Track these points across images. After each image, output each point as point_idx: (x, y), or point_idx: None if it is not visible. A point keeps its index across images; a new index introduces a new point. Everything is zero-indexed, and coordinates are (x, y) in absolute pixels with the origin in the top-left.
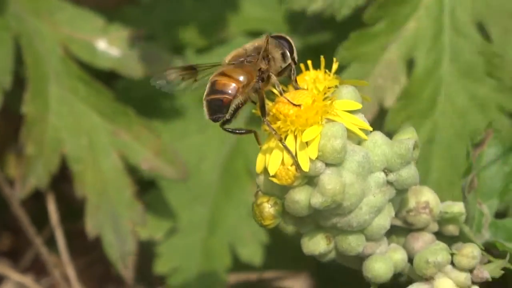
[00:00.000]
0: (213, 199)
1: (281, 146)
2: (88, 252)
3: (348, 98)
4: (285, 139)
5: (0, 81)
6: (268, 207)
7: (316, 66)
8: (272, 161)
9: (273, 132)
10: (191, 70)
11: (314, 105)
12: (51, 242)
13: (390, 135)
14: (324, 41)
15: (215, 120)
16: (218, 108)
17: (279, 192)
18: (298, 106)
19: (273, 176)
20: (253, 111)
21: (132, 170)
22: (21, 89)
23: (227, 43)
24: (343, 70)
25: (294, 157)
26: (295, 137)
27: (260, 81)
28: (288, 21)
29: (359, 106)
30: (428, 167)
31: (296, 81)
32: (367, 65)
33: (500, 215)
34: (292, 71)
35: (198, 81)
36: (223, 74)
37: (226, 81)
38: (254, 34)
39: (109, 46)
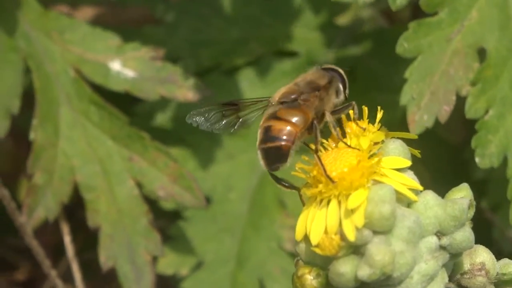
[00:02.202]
0: (241, 231)
1: (324, 212)
2: (108, 282)
3: (396, 154)
4: (328, 204)
5: (8, 105)
6: (310, 279)
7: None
8: (314, 229)
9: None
10: (233, 106)
11: (360, 166)
12: (69, 272)
13: (471, 123)
14: (358, 54)
15: (273, 170)
16: (277, 157)
17: (322, 262)
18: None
19: (315, 246)
20: (293, 173)
21: (153, 201)
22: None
23: (257, 63)
24: (405, 62)
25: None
26: (339, 202)
27: (316, 120)
28: (321, 37)
29: (408, 163)
30: None
31: (355, 121)
32: (433, 56)
33: None
34: (354, 111)
35: (240, 118)
36: (277, 117)
37: (282, 126)
38: (285, 53)
39: (124, 67)
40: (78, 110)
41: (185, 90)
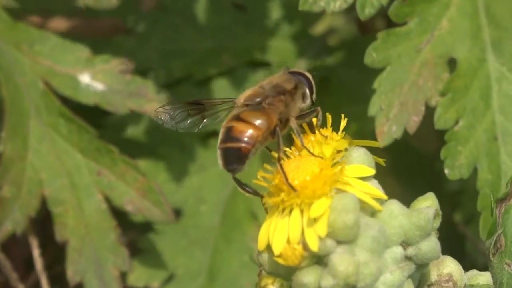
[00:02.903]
0: (213, 244)
1: (286, 222)
2: None
3: (359, 163)
4: (290, 213)
5: None
6: None
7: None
8: (276, 238)
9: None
10: (199, 106)
11: (322, 174)
12: (38, 286)
13: (441, 133)
14: (331, 64)
15: (230, 171)
16: (236, 159)
17: (285, 272)
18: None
19: (278, 256)
20: (254, 181)
21: (123, 214)
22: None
23: (229, 74)
24: (374, 73)
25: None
26: (302, 211)
27: (279, 126)
28: (295, 47)
29: (371, 171)
30: (498, 165)
31: (317, 128)
32: (402, 67)
33: None
34: (318, 117)
35: (205, 118)
36: (239, 119)
37: (243, 128)
38: (258, 64)
39: (93, 80)
40: (47, 123)
41: (154, 104)
